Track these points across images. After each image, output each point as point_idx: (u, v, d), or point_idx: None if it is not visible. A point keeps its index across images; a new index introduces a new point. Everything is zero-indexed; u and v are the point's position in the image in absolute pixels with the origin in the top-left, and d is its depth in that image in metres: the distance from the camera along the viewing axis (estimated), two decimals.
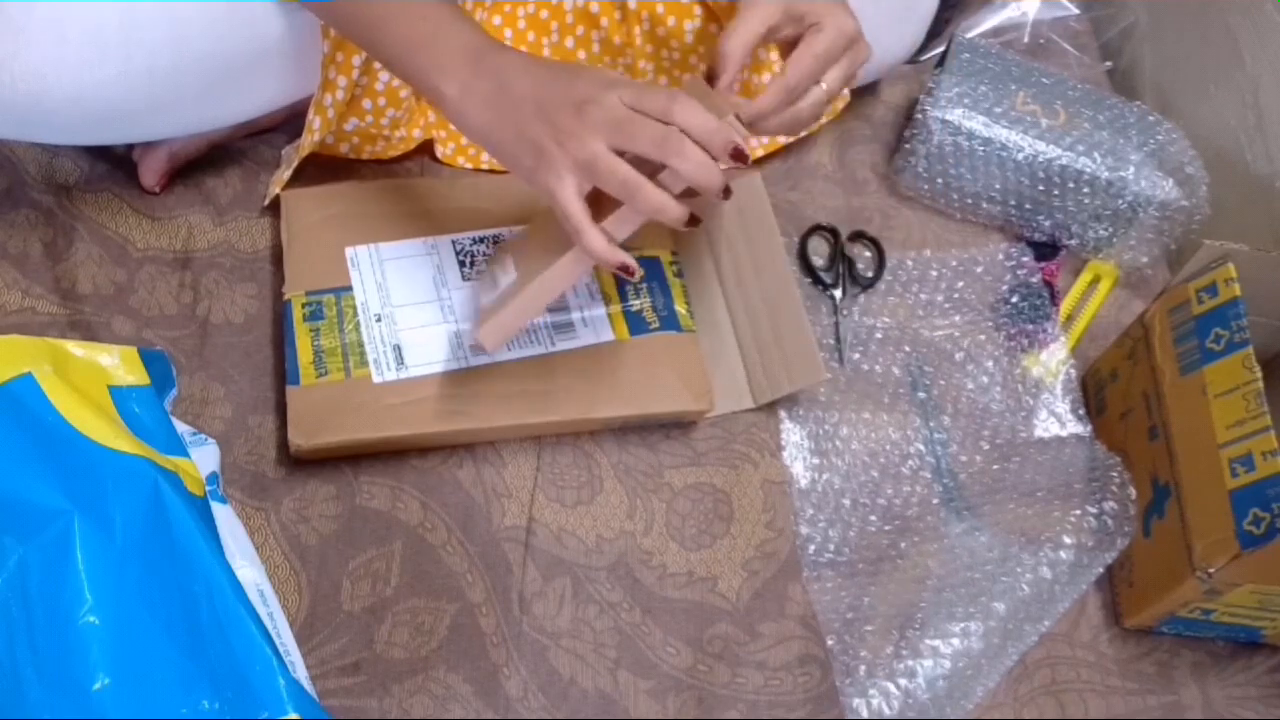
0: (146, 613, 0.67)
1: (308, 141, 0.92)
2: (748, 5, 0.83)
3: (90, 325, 0.91)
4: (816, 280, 1.03)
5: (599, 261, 0.75)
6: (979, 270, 1.06)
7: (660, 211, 0.74)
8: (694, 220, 0.76)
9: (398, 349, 0.88)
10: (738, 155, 0.73)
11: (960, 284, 1.05)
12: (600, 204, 0.76)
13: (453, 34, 0.77)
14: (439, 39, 0.77)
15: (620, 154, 0.73)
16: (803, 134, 1.06)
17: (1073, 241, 1.07)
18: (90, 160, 0.98)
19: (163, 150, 0.96)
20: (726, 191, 0.74)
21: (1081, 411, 0.99)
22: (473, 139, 0.78)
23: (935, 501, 0.93)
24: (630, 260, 0.76)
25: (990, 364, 1.01)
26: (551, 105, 0.73)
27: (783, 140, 1.07)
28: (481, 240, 0.94)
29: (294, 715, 0.66)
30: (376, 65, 0.94)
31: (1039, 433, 0.98)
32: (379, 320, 0.89)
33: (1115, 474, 0.92)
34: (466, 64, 0.76)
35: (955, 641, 0.86)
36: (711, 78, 0.83)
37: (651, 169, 0.73)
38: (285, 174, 0.95)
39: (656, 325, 0.92)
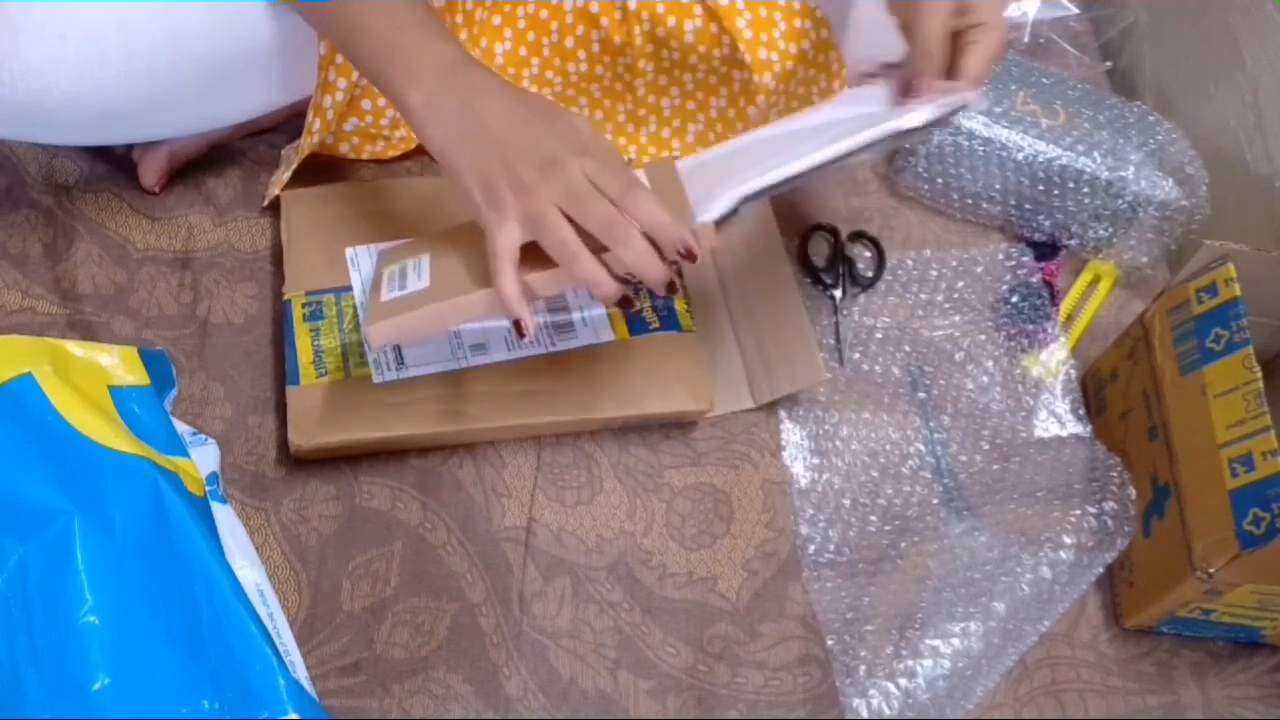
0: (146, 613, 0.67)
1: (306, 143, 0.92)
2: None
3: (90, 325, 0.91)
4: (816, 280, 1.03)
5: (505, 310, 0.74)
6: (979, 270, 1.06)
7: (593, 284, 0.73)
8: (625, 301, 0.75)
9: (398, 349, 0.88)
10: (687, 255, 0.73)
11: (960, 284, 1.05)
12: (533, 253, 0.74)
13: (428, 45, 0.76)
14: (413, 48, 0.76)
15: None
16: None
17: (1073, 241, 1.07)
18: (90, 160, 0.98)
19: (162, 150, 0.96)
20: (671, 286, 0.74)
21: (1081, 411, 0.99)
22: (430, 150, 0.76)
23: (935, 501, 0.93)
24: (627, 292, 0.75)
25: (990, 364, 1.01)
26: (516, 152, 0.73)
27: None
28: None
29: (294, 715, 0.66)
30: None
31: (1039, 433, 0.98)
32: None
33: (1115, 474, 0.92)
34: (436, 75, 0.75)
35: (955, 641, 0.86)
36: (910, 84, 0.80)
37: (597, 243, 0.73)
38: (285, 175, 0.95)
39: (656, 325, 0.92)
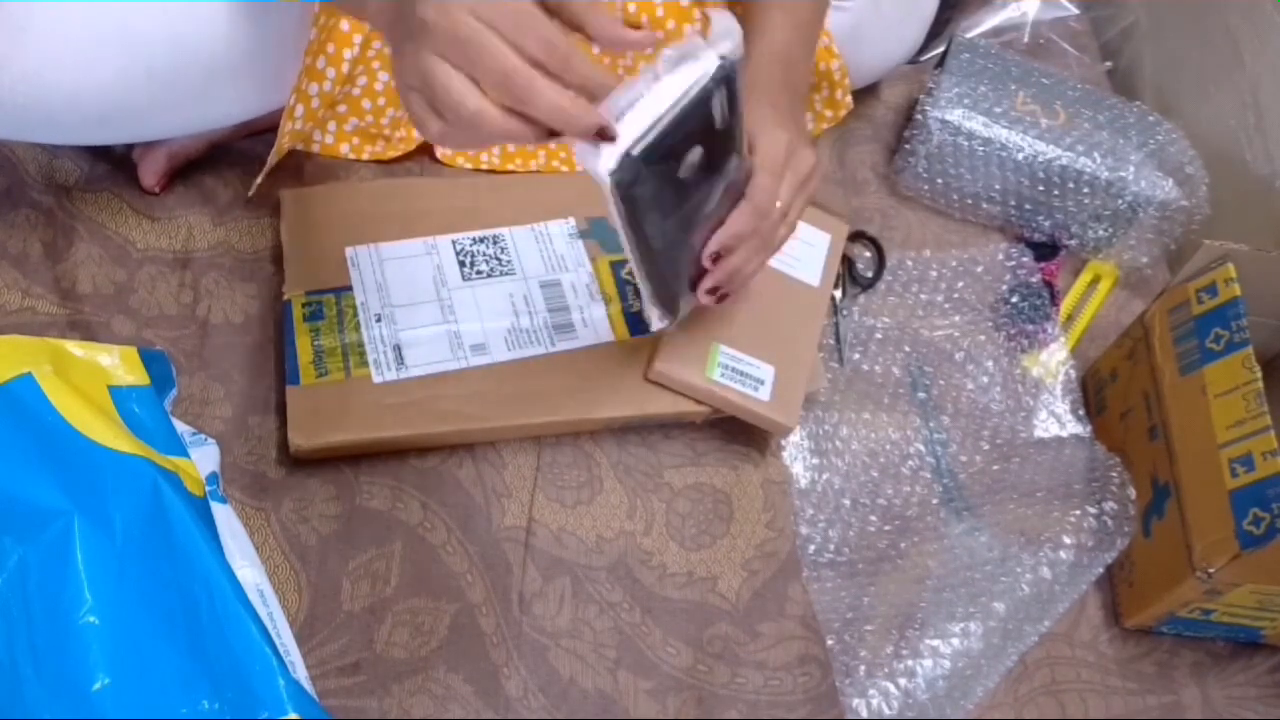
0: (146, 613, 0.67)
1: (287, 128, 0.90)
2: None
3: (90, 325, 0.91)
4: None
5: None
6: (979, 270, 1.06)
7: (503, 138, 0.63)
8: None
9: (398, 349, 0.88)
10: (602, 135, 0.62)
11: (960, 284, 1.05)
12: None
13: None
14: None
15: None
16: None
17: (1073, 241, 1.07)
18: (90, 160, 0.98)
19: (162, 150, 0.96)
20: (602, 133, 0.63)
21: (1081, 411, 1.00)
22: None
23: (935, 501, 0.93)
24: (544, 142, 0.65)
25: (990, 364, 1.01)
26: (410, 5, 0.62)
27: None
28: (482, 240, 0.94)
29: (294, 715, 0.66)
30: (376, 65, 0.94)
31: (1039, 433, 0.98)
32: (379, 320, 0.89)
33: (1115, 474, 0.92)
34: None
35: (955, 641, 0.86)
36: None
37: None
38: (271, 163, 0.93)
39: None
